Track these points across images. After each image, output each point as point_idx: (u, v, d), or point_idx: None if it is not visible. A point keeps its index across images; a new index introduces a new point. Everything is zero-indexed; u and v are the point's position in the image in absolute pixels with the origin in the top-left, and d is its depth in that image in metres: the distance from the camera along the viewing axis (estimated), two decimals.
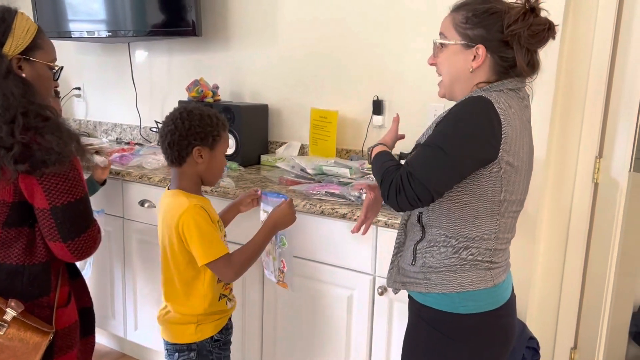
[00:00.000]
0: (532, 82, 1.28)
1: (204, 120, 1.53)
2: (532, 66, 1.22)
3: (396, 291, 1.40)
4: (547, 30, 1.18)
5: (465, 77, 1.24)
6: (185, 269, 1.56)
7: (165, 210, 1.57)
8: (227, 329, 1.70)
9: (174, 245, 1.54)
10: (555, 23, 1.20)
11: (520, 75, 1.23)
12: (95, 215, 1.90)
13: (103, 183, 2.24)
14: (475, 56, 1.21)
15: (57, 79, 1.50)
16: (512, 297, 1.34)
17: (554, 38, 1.21)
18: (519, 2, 1.19)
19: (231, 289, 1.69)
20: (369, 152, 1.39)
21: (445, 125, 1.18)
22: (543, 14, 1.19)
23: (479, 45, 1.20)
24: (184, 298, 1.59)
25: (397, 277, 1.36)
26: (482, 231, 1.23)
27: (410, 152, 1.32)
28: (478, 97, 1.17)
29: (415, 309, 1.34)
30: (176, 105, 1.70)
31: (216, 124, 1.55)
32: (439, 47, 1.28)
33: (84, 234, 1.36)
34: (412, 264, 1.30)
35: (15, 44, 1.32)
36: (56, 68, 1.46)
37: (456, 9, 1.25)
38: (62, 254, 1.36)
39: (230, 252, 1.55)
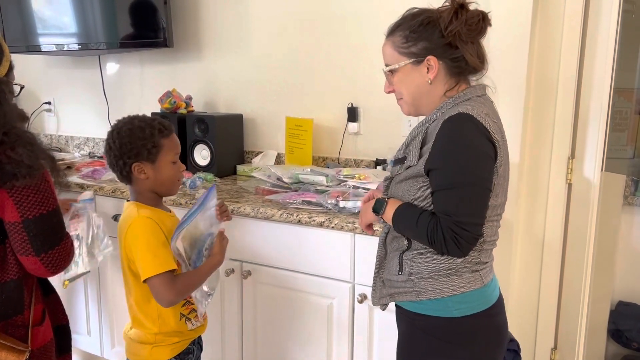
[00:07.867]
0: (495, 91, 1.33)
1: (134, 135, 1.45)
2: (481, 57, 1.26)
3: (384, 307, 1.38)
4: (482, 20, 1.22)
5: (426, 90, 1.27)
6: (134, 285, 1.51)
7: (119, 224, 1.53)
8: (187, 353, 1.59)
9: (123, 261, 1.51)
10: (488, 11, 1.24)
11: (474, 70, 1.26)
12: (86, 204, 1.86)
13: None
14: (428, 68, 1.25)
15: (17, 95, 1.49)
16: (501, 296, 1.35)
17: (490, 25, 1.24)
18: (446, 3, 1.23)
19: (193, 309, 1.58)
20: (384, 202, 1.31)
21: (452, 156, 1.16)
22: (473, 6, 1.23)
23: (428, 57, 1.24)
24: (141, 316, 1.53)
25: (382, 291, 1.34)
26: None
27: (394, 164, 1.32)
28: (458, 115, 1.17)
29: (408, 318, 1.32)
30: None
31: (150, 135, 1.45)
32: (390, 74, 1.30)
33: (57, 246, 1.33)
34: (398, 274, 1.29)
35: (4, 66, 1.32)
36: (18, 86, 1.45)
37: (391, 32, 1.29)
38: (35, 268, 1.33)
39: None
